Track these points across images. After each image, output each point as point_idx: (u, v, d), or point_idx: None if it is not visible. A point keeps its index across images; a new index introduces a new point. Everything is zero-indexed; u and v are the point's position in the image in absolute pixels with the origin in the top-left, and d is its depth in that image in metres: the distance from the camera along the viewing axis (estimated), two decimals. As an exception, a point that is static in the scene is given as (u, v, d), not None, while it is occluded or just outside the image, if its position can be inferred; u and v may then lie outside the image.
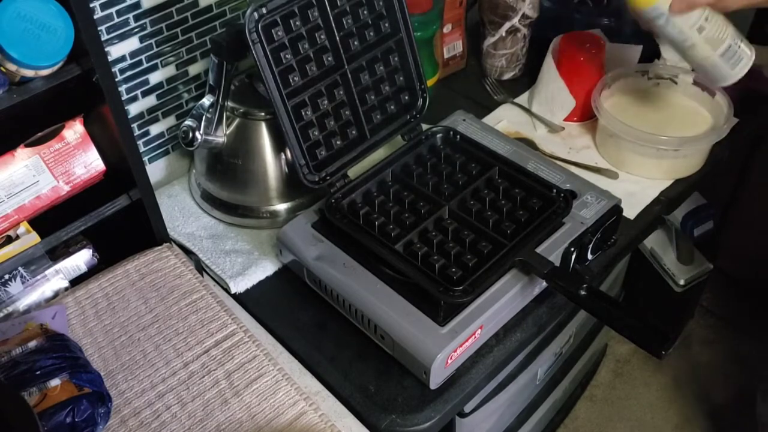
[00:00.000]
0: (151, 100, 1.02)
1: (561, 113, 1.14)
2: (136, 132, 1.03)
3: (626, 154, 1.05)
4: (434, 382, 0.79)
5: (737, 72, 0.89)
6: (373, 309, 0.81)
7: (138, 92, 1.00)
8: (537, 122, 1.16)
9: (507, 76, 1.26)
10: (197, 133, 0.95)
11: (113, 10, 0.91)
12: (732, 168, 1.44)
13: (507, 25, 1.17)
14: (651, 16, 0.82)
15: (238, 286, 0.93)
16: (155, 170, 1.08)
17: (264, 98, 0.94)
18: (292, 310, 0.91)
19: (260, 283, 0.94)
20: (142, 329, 0.82)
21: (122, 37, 0.94)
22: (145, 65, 0.99)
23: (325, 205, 0.90)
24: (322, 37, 0.89)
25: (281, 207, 1.01)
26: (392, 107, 0.99)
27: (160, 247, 0.92)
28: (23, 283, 0.85)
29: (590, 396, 1.70)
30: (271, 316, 0.90)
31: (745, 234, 1.60)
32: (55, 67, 0.72)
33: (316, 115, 0.91)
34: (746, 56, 0.88)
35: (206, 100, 0.95)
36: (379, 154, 0.99)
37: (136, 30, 0.95)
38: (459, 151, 0.99)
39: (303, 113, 0.90)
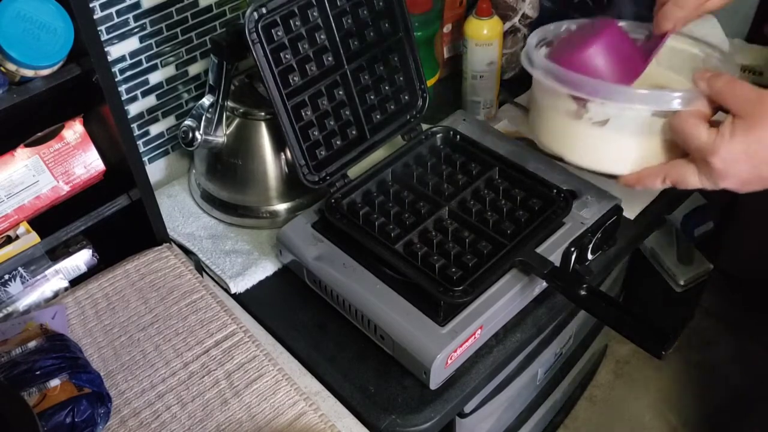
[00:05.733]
0: (150, 100, 1.02)
1: (561, 113, 1.14)
2: (136, 132, 1.03)
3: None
4: (434, 383, 0.79)
5: None
6: (373, 309, 0.81)
7: (138, 92, 1.00)
8: (537, 122, 1.15)
9: (507, 76, 1.26)
10: (197, 133, 0.95)
11: (113, 10, 0.91)
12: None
13: (507, 25, 1.17)
14: None
15: (238, 286, 0.93)
16: (155, 170, 1.08)
17: (264, 98, 0.94)
18: (292, 310, 0.91)
19: (260, 283, 0.94)
20: (141, 329, 0.82)
21: (122, 37, 0.94)
22: (145, 65, 0.99)
23: (325, 205, 0.90)
24: (322, 37, 0.89)
25: (281, 207, 1.01)
26: (392, 107, 0.99)
27: (159, 247, 0.92)
28: (23, 283, 0.85)
29: (590, 396, 1.70)
30: (271, 316, 0.90)
31: (745, 234, 1.60)
32: (55, 67, 0.72)
33: (316, 115, 0.91)
34: None
35: (206, 100, 0.95)
36: (379, 154, 0.99)
37: (136, 30, 0.95)
38: (459, 151, 0.99)
39: (303, 113, 0.89)
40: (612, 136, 0.74)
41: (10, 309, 0.83)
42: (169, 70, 1.02)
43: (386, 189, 0.94)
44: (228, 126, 0.98)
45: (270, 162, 0.98)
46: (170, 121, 1.06)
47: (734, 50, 1.23)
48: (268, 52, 0.84)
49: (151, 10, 0.95)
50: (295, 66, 0.88)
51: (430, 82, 1.21)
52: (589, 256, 0.90)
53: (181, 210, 1.05)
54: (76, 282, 0.89)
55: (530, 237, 0.86)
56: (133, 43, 0.96)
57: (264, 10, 0.82)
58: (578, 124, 0.74)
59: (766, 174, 0.63)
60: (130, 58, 0.97)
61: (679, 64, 0.82)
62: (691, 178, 0.68)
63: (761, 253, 1.62)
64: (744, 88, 0.64)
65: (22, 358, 0.71)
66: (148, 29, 0.96)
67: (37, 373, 0.69)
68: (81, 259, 0.89)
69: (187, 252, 0.98)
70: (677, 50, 0.81)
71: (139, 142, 1.04)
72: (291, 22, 0.85)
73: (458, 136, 1.00)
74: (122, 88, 0.98)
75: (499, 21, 1.09)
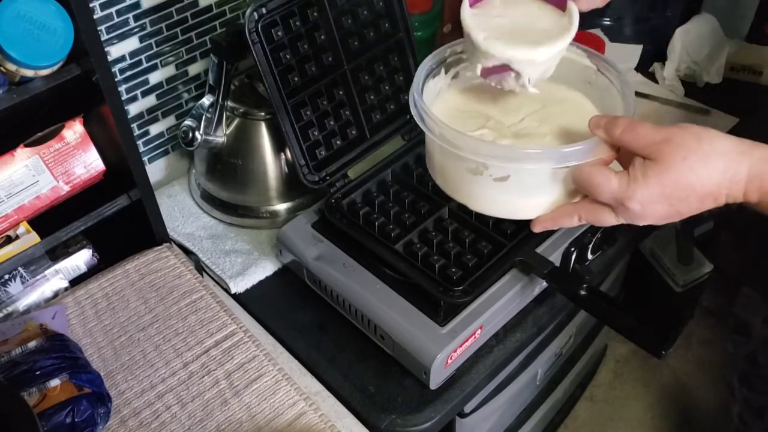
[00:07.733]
0: (150, 100, 1.02)
1: (561, 113, 1.14)
2: (136, 132, 1.03)
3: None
4: (434, 383, 0.79)
5: None
6: (373, 309, 0.81)
7: (138, 92, 1.00)
8: (537, 122, 1.15)
9: (507, 76, 1.25)
10: (197, 133, 0.95)
11: (113, 10, 0.91)
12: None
13: (507, 25, 1.17)
14: None
15: (238, 286, 0.93)
16: (155, 170, 1.08)
17: (264, 98, 0.94)
18: (292, 310, 0.91)
19: (260, 283, 0.94)
20: (141, 329, 0.82)
21: (122, 37, 0.94)
22: (145, 65, 0.99)
23: (325, 205, 0.90)
24: (322, 36, 0.89)
25: (281, 207, 1.01)
26: (392, 107, 0.99)
27: (159, 247, 0.92)
28: (23, 283, 0.85)
29: (590, 396, 1.70)
30: (271, 316, 0.90)
31: (745, 234, 1.60)
32: (55, 67, 0.72)
33: (316, 115, 0.91)
34: None
35: (206, 100, 0.95)
36: (379, 154, 0.99)
37: (135, 30, 0.95)
38: (459, 151, 0.99)
39: (303, 113, 0.89)
40: (515, 190, 0.71)
41: (10, 309, 0.83)
42: (169, 70, 1.02)
43: (386, 189, 0.94)
44: (228, 126, 0.98)
45: (270, 162, 0.98)
46: (170, 121, 1.06)
47: (732, 48, 1.23)
48: (268, 52, 0.84)
49: (151, 10, 0.95)
50: (295, 66, 0.88)
51: (430, 82, 1.20)
52: (589, 256, 0.91)
53: (181, 210, 1.05)
54: (76, 282, 0.89)
55: (530, 237, 0.86)
56: (133, 43, 0.96)
57: (264, 10, 0.82)
58: (480, 179, 0.72)
59: (684, 210, 0.62)
60: (130, 58, 0.97)
61: (572, 77, 0.79)
62: (608, 218, 0.66)
63: (761, 253, 1.62)
64: (646, 130, 0.62)
65: (22, 358, 0.71)
66: (148, 29, 0.96)
67: (37, 373, 0.69)
68: (81, 259, 0.89)
69: (187, 252, 0.98)
70: (569, 62, 0.77)
71: (139, 142, 1.04)
72: (291, 22, 0.85)
73: (458, 136, 1.00)
74: (122, 88, 0.98)
75: (499, 21, 1.09)
